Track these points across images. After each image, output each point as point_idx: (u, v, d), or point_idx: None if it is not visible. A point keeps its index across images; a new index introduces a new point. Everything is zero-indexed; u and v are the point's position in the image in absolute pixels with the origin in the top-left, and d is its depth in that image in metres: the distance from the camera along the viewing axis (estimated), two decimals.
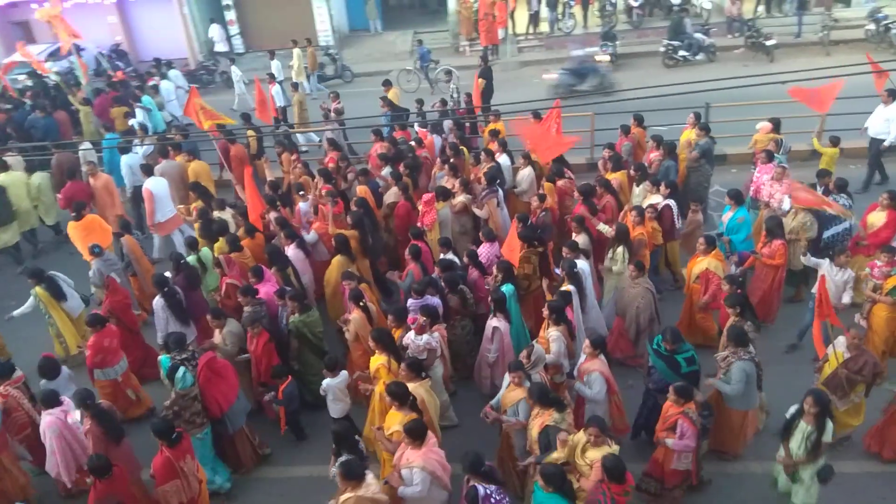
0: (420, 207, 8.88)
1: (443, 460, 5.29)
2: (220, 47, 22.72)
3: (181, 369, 6.21)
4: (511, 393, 5.93)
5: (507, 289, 7.46)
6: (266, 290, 7.68)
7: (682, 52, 18.59)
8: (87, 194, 10.41)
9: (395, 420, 5.62)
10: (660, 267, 9.01)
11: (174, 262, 8.10)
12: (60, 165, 11.09)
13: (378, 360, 6.51)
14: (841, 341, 6.22)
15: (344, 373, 6.78)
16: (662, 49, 18.74)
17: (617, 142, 10.70)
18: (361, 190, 9.40)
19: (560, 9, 21.56)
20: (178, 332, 6.85)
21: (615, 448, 5.24)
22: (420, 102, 13.17)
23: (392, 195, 9.33)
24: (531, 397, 5.62)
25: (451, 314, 7.66)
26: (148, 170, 10.25)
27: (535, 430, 5.51)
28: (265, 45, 23.09)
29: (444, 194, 8.98)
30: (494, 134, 10.89)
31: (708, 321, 7.91)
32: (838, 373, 6.07)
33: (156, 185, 9.91)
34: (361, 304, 7.29)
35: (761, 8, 21.23)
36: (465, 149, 10.89)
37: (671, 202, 8.63)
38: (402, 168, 9.58)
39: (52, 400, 6.26)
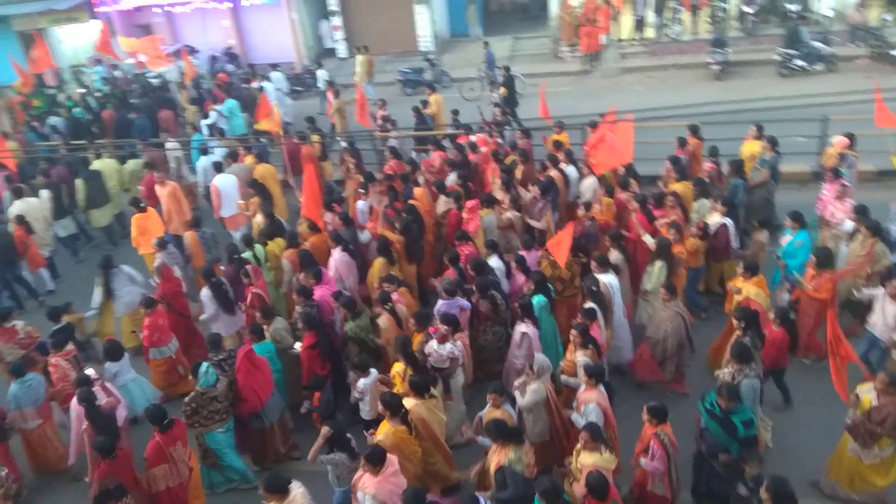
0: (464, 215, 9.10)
1: (398, 489, 5.38)
2: (329, 44, 24.11)
3: (204, 365, 6.70)
4: (489, 415, 6.00)
5: (538, 300, 7.51)
6: (322, 292, 8.02)
7: (798, 62, 17.63)
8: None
9: (383, 430, 5.87)
10: (711, 286, 8.71)
11: (228, 254, 8.79)
12: (149, 161, 12.30)
13: (396, 368, 6.75)
14: (868, 387, 5.80)
15: (374, 371, 7.01)
16: (777, 58, 17.91)
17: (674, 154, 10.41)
18: (419, 192, 9.71)
19: (667, 14, 21.04)
20: (214, 333, 7.47)
21: (607, 456, 5.28)
22: (455, 113, 13.51)
23: (443, 203, 9.61)
24: (489, 433, 5.64)
25: (481, 319, 7.77)
26: (218, 167, 11.16)
27: (492, 467, 5.52)
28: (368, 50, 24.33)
29: (489, 201, 9.14)
30: (558, 145, 10.92)
31: None
32: (860, 423, 5.65)
33: (223, 183, 10.79)
34: (388, 306, 7.56)
35: (890, 16, 19.67)
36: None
37: (727, 221, 8.32)
38: (457, 178, 9.86)
39: (85, 382, 6.88)
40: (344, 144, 12.26)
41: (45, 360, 7.66)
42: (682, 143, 10.48)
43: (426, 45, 23.69)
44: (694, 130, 10.72)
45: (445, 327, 6.93)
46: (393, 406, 5.90)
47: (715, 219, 8.42)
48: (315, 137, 12.18)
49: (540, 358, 6.40)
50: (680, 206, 8.87)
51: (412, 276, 9.17)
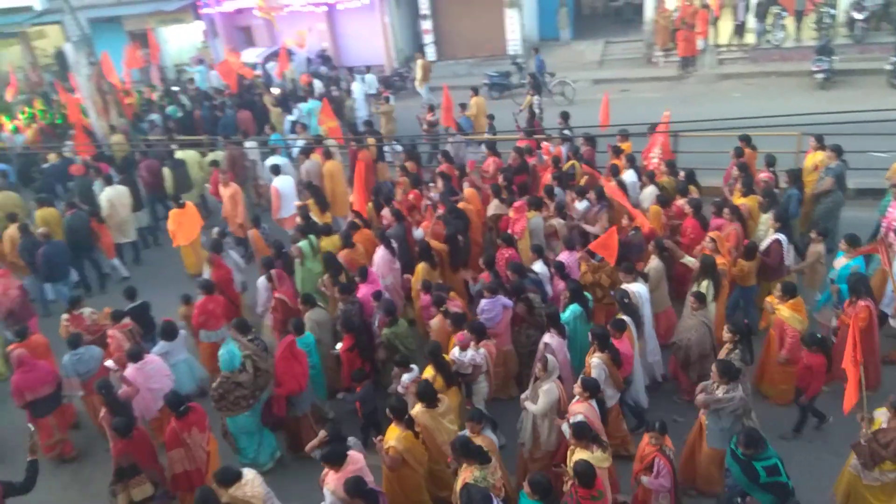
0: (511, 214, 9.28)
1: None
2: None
3: (227, 350, 7.22)
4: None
5: (572, 309, 7.58)
6: (365, 290, 8.37)
7: None
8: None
9: (392, 435, 6.10)
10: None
11: (275, 249, 9.41)
12: (229, 158, 13.24)
13: (427, 373, 6.93)
14: (884, 409, 5.62)
15: (415, 367, 7.25)
16: (889, 67, 16.90)
17: (728, 166, 10.21)
18: (469, 193, 10.00)
19: (770, 19, 20.27)
20: (243, 318, 7.96)
21: (599, 455, 5.38)
22: (491, 118, 13.71)
23: (494, 207, 9.82)
24: (453, 451, 5.72)
25: (516, 321, 7.92)
26: (276, 169, 11.88)
27: (458, 485, 5.59)
28: (457, 53, 24.92)
29: (537, 204, 9.27)
30: (617, 152, 10.90)
31: (785, 378, 7.33)
32: (867, 441, 5.48)
33: (282, 184, 11.51)
34: (443, 309, 7.82)
35: None
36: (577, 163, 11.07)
37: (781, 237, 8.07)
38: (502, 180, 10.05)
39: (136, 355, 7.58)
40: (398, 148, 12.72)
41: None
42: (739, 152, 10.23)
43: (515, 48, 23.95)
44: (746, 140, 10.45)
45: (468, 334, 7.11)
46: (398, 411, 6.17)
47: (768, 234, 8.21)
48: (370, 140, 12.74)
49: (552, 359, 6.48)
50: (740, 220, 8.70)
51: (456, 281, 9.41)
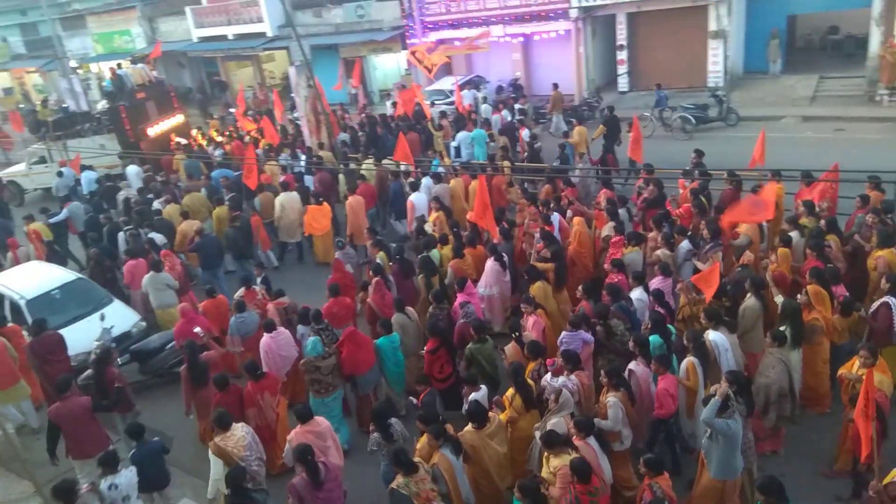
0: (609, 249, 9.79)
1: (316, 440, 7.05)
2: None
3: (313, 340, 8.64)
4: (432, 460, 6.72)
5: (653, 340, 7.82)
6: (460, 299, 9.46)
7: None
8: (369, 196, 14.27)
9: (421, 441, 6.95)
10: None
11: (395, 253, 10.81)
12: (378, 176, 15.13)
13: (508, 393, 7.58)
14: None
15: (485, 387, 7.95)
16: None
17: (852, 213, 9.84)
18: (576, 221, 10.69)
19: None
20: (318, 309, 9.40)
21: (574, 455, 5.94)
22: (700, 154, 13.49)
23: (608, 229, 10.39)
24: (389, 459, 6.43)
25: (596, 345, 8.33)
26: (414, 185, 13.46)
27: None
28: (651, 84, 25.08)
29: (637, 239, 9.68)
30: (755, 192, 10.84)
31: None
32: (874, 493, 5.39)
33: (417, 199, 13.08)
34: (515, 334, 8.56)
35: None
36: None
37: (890, 300, 7.67)
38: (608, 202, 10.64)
39: (271, 327, 9.35)
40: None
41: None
42: (865, 200, 9.72)
43: (716, 80, 23.63)
44: (876, 184, 9.83)
45: (562, 361, 7.63)
46: (427, 420, 6.97)
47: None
48: (505, 164, 13.75)
49: (566, 392, 6.94)
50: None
51: (564, 301, 10.10)
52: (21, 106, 31.28)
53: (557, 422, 6.87)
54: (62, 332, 10.41)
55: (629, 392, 7.10)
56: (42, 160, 21.64)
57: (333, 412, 8.81)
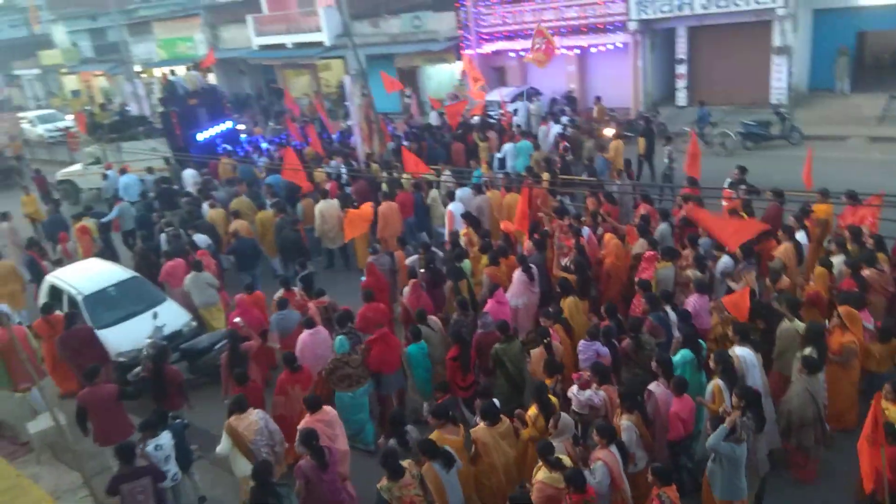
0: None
1: (325, 428, 7.38)
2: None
3: (340, 338, 9.01)
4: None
5: (683, 354, 7.81)
6: (489, 307, 9.63)
7: None
8: (407, 205, 14.58)
9: (435, 434, 7.12)
10: None
11: (424, 262, 10.98)
12: (416, 185, 15.40)
13: (531, 411, 7.52)
14: None
15: (496, 401, 7.87)
16: None
17: None
18: (607, 238, 10.70)
19: None
20: (344, 311, 9.65)
21: (555, 475, 6.10)
22: (742, 170, 13.27)
23: (639, 245, 10.36)
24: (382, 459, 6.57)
25: (622, 358, 8.34)
26: (451, 195, 13.70)
27: None
28: (710, 99, 24.72)
29: (671, 254, 9.60)
30: (805, 213, 10.64)
31: None
32: None
33: (455, 209, 13.27)
34: (546, 341, 8.55)
35: None
36: None
37: None
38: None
39: (310, 324, 9.65)
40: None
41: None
42: None
43: (779, 97, 23.18)
44: None
45: (589, 374, 7.68)
46: (439, 414, 7.21)
47: None
48: (545, 175, 13.82)
49: (565, 416, 6.96)
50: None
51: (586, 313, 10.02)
52: (87, 108, 32.72)
53: (556, 446, 6.85)
54: (116, 328, 10.94)
55: (643, 414, 7.07)
56: (97, 161, 22.50)
57: (363, 407, 9.10)
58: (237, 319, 10.04)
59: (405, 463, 6.57)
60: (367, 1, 30.79)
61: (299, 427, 7.46)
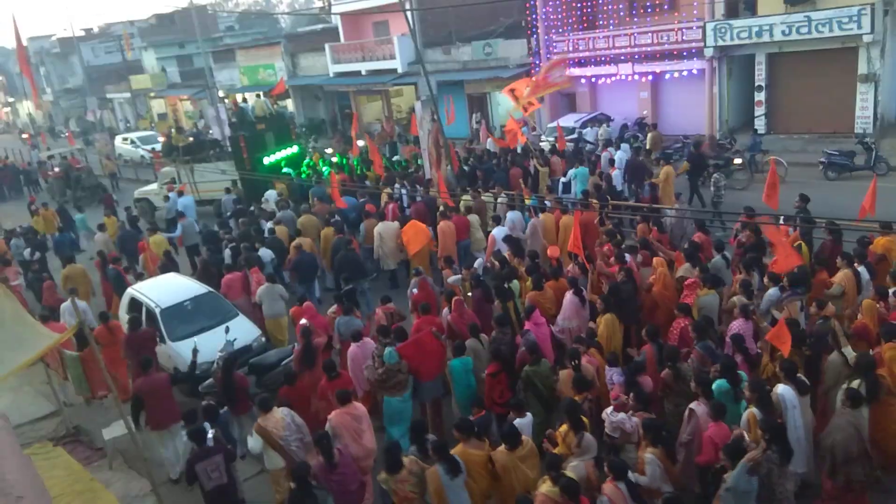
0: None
1: (353, 422, 7.86)
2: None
3: (388, 349, 9.37)
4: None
5: (719, 384, 7.82)
6: (527, 327, 9.90)
7: None
8: (462, 227, 14.92)
9: (458, 448, 7.38)
10: None
11: (474, 280, 11.42)
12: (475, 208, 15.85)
13: (562, 429, 7.71)
14: None
15: (529, 415, 8.26)
16: None
17: None
18: (657, 261, 10.81)
19: None
20: (383, 325, 10.10)
21: (555, 488, 6.29)
22: (804, 199, 13.26)
23: (684, 270, 10.45)
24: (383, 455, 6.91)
25: (660, 388, 8.45)
26: (496, 219, 14.15)
27: None
28: (791, 128, 24.39)
29: (714, 282, 9.65)
30: (864, 244, 10.53)
31: None
32: None
33: (498, 233, 13.66)
34: (574, 363, 8.77)
35: None
36: None
37: None
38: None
39: (357, 336, 10.15)
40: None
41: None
42: None
43: (864, 126, 22.58)
44: None
45: (625, 397, 7.84)
46: (462, 429, 7.48)
47: None
48: (594, 202, 14.04)
49: (588, 436, 7.11)
50: None
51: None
52: (172, 130, 34.92)
53: (577, 465, 7.02)
54: (190, 340, 11.57)
55: (667, 448, 7.15)
56: (172, 181, 24.03)
57: (408, 413, 9.47)
58: (303, 321, 10.74)
59: (406, 460, 6.92)
60: (441, 29, 31.77)
61: (330, 419, 7.98)
